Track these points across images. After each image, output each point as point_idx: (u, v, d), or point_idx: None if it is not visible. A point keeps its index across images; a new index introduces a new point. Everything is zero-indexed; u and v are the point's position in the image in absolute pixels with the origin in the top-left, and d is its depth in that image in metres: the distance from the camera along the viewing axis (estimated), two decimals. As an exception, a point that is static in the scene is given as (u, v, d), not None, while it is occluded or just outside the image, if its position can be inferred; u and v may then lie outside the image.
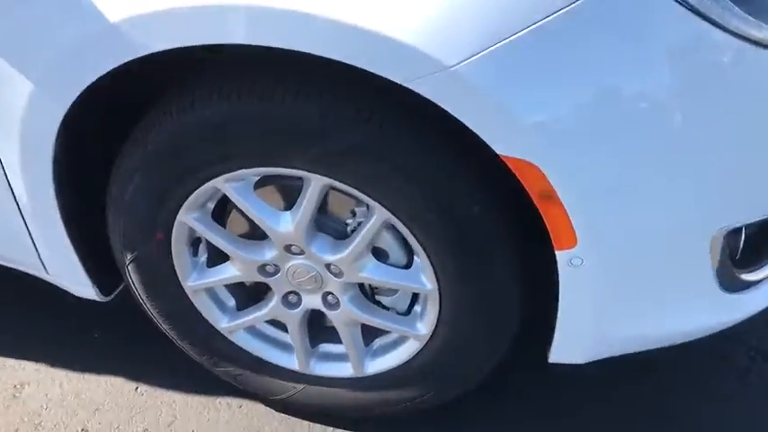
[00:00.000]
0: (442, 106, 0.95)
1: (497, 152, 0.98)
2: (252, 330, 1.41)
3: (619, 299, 1.15)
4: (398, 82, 0.94)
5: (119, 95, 1.15)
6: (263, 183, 1.18)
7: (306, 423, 1.48)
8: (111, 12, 0.98)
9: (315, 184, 1.12)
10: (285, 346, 1.41)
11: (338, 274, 1.24)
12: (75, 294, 1.45)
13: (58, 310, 1.66)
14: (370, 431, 1.46)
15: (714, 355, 1.57)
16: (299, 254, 1.23)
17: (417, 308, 1.28)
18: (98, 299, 1.44)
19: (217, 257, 1.32)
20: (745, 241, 1.22)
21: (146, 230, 1.26)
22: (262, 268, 1.28)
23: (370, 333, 1.35)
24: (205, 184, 1.17)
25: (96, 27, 1.00)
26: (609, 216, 1.04)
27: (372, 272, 1.22)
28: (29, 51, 1.07)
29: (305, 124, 1.05)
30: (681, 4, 0.93)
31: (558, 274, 1.10)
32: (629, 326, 1.20)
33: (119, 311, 1.52)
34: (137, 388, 1.54)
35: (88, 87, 1.06)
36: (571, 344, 1.22)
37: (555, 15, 0.90)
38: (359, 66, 0.94)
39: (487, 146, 0.97)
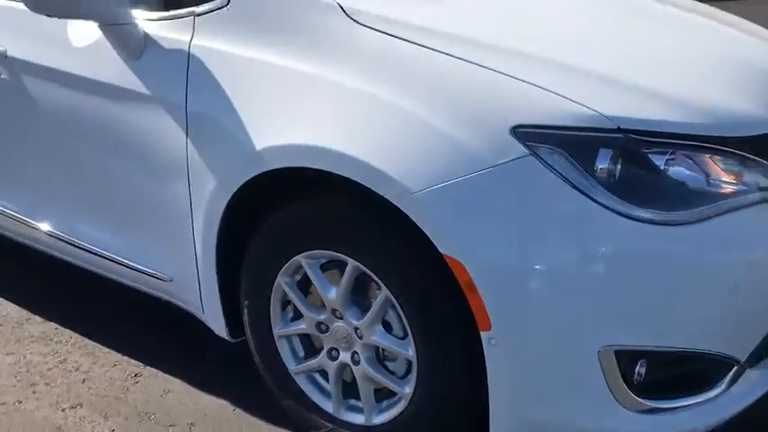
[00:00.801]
0: (407, 213, 1.59)
1: (440, 251, 1.58)
2: (309, 377, 2.02)
3: (527, 385, 1.62)
4: (388, 198, 1.62)
5: (263, 195, 1.93)
6: (328, 265, 1.87)
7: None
8: (253, 142, 1.80)
9: (350, 265, 1.78)
10: (327, 394, 2.00)
11: (361, 337, 1.85)
12: (216, 333, 2.19)
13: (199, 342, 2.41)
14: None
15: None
16: (340, 318, 1.87)
17: (410, 375, 1.82)
18: (229, 339, 2.17)
19: (296, 317, 2.00)
20: (651, 372, 1.62)
21: (258, 287, 1.99)
22: (318, 325, 1.93)
23: (380, 395, 1.90)
24: (292, 259, 1.88)
25: (244, 152, 1.83)
26: (513, 309, 1.57)
27: (380, 337, 1.82)
28: (226, 173, 1.91)
29: (339, 222, 1.75)
30: (573, 187, 1.52)
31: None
32: (538, 412, 1.64)
33: (241, 351, 2.22)
34: (234, 410, 2.20)
35: (239, 187, 1.87)
36: (500, 418, 1.67)
37: (482, 171, 1.54)
38: (367, 185, 1.63)
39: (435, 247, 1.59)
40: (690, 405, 1.68)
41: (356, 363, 1.90)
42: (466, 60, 1.67)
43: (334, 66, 1.76)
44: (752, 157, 1.65)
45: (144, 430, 2.13)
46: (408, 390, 1.81)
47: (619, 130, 1.55)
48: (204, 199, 1.96)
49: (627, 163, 1.56)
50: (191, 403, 2.24)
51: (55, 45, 2.22)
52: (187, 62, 1.96)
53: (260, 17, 1.90)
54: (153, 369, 2.39)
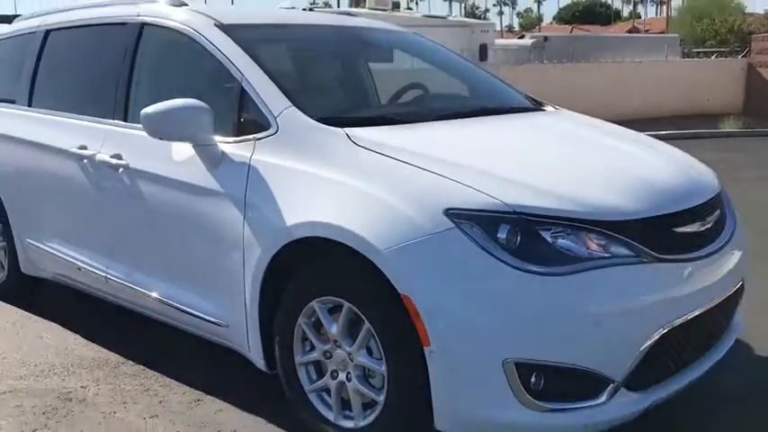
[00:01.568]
0: (378, 265, 2.41)
1: (399, 291, 2.38)
2: (318, 394, 2.79)
3: (455, 386, 2.35)
4: (366, 254, 2.44)
5: (292, 260, 2.79)
6: (333, 309, 2.68)
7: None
8: (285, 221, 2.68)
9: (345, 307, 2.59)
10: (329, 407, 2.75)
11: (352, 360, 2.62)
12: (257, 366, 2.99)
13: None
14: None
15: None
16: (339, 347, 2.66)
17: (384, 386, 2.56)
18: (266, 370, 2.96)
19: (311, 349, 2.79)
20: (547, 380, 2.33)
21: (286, 327, 2.81)
22: (324, 353, 2.72)
23: (366, 406, 2.64)
24: (308, 304, 2.71)
25: (280, 228, 2.71)
26: (444, 331, 2.33)
27: (364, 359, 2.59)
28: (268, 244, 2.78)
29: (338, 276, 2.58)
30: (482, 248, 2.32)
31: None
32: (465, 407, 2.35)
33: (273, 379, 3.00)
34: (266, 423, 2.96)
35: (275, 253, 2.73)
36: (440, 411, 2.39)
37: (425, 237, 2.37)
38: (353, 246, 2.47)
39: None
40: (578, 408, 2.38)
41: (349, 380, 2.67)
42: (421, 168, 2.54)
43: (338, 171, 2.66)
44: (615, 234, 2.41)
45: (203, 419, 2.92)
46: (383, 397, 2.56)
47: (514, 212, 2.36)
48: (252, 264, 2.84)
49: (522, 235, 2.35)
50: (235, 417, 3.02)
51: (162, 159, 3.22)
52: (248, 170, 2.90)
53: (296, 142, 2.84)
54: (210, 396, 3.20)
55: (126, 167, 3.40)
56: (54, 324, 4.12)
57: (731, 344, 2.99)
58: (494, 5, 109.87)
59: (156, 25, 3.54)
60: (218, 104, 3.08)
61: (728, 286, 2.79)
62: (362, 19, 4.33)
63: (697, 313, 2.58)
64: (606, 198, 2.51)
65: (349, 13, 4.50)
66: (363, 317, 2.56)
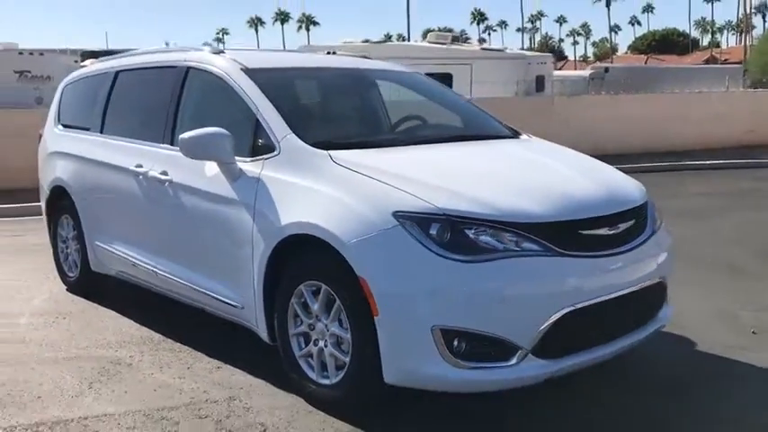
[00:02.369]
0: (343, 254, 3.16)
1: (357, 274, 3.12)
2: (305, 359, 3.53)
3: (398, 348, 3.06)
4: (336, 247, 3.20)
5: (288, 252, 3.56)
6: (315, 291, 3.44)
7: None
8: (281, 221, 3.47)
9: (323, 288, 3.35)
10: (312, 368, 3.49)
11: (328, 330, 3.36)
12: (263, 339, 3.76)
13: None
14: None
15: None
16: (319, 320, 3.41)
17: (349, 350, 3.28)
18: (268, 342, 3.73)
19: (300, 323, 3.54)
20: (469, 344, 3.01)
21: (283, 306, 3.57)
22: (310, 326, 3.47)
23: (339, 367, 3.37)
24: (298, 287, 3.47)
25: (277, 227, 3.50)
26: (388, 304, 3.06)
27: (337, 329, 3.34)
28: (269, 240, 3.57)
29: (318, 264, 3.35)
30: (418, 241, 3.05)
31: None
32: (405, 364, 3.06)
33: (273, 349, 3.76)
34: (266, 383, 3.72)
35: (274, 248, 3.52)
36: (387, 368, 3.10)
37: (377, 232, 3.12)
38: (327, 240, 3.23)
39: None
40: (493, 367, 3.05)
41: (326, 346, 3.41)
42: (380, 181, 3.29)
43: (320, 183, 3.44)
44: (524, 233, 3.10)
45: (218, 388, 3.70)
46: (348, 358, 3.28)
47: (443, 214, 3.08)
48: (258, 257, 3.63)
49: (450, 231, 3.06)
50: (243, 379, 3.80)
51: (196, 174, 4.06)
52: (257, 183, 3.70)
53: (292, 161, 3.63)
54: (227, 364, 4.00)
55: (170, 182, 4.26)
56: (113, 312, 5.03)
57: (648, 333, 3.62)
58: (567, 35, 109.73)
59: (198, 69, 4.42)
60: (240, 132, 3.92)
61: (634, 282, 3.41)
62: (373, 61, 5.12)
63: (598, 301, 3.22)
64: (519, 205, 3.19)
65: (365, 56, 5.29)
66: (336, 296, 3.31)
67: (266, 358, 3.90)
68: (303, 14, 79.24)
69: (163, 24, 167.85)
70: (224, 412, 3.45)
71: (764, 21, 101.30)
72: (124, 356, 4.19)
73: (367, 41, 23.18)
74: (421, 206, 3.13)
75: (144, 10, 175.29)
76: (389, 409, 3.40)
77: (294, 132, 3.71)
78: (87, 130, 5.42)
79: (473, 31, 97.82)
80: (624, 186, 3.76)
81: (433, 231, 3.07)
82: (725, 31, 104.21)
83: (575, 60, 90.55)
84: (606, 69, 26.32)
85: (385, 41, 23.09)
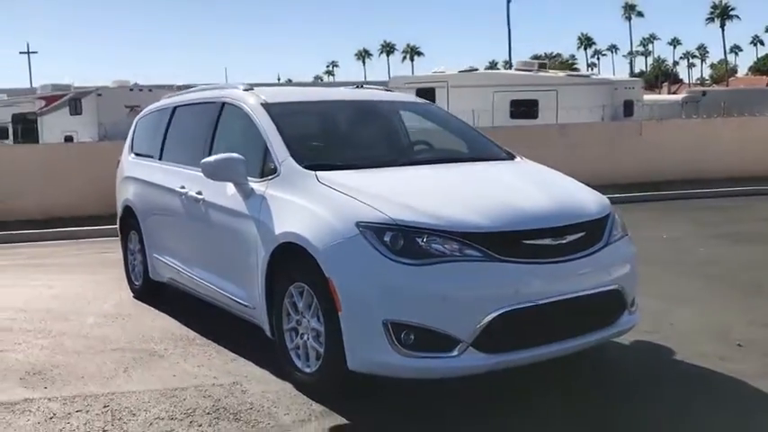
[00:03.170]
0: (317, 259, 3.73)
1: (326, 275, 3.68)
2: (294, 351, 4.10)
3: (356, 339, 3.58)
4: (311, 252, 3.78)
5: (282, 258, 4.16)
6: (302, 291, 4.01)
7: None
8: (276, 232, 4.09)
9: (306, 289, 3.92)
10: (299, 357, 4.05)
11: (310, 324, 3.93)
12: (266, 333, 4.36)
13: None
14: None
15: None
16: (304, 317, 3.98)
17: (323, 341, 3.83)
18: (270, 336, 4.33)
19: (291, 320, 4.12)
20: (416, 336, 3.50)
21: (278, 305, 4.17)
22: (297, 322, 4.05)
23: (318, 357, 3.92)
24: (288, 289, 4.06)
25: (273, 236, 4.12)
26: (349, 301, 3.59)
27: (314, 323, 3.90)
28: (267, 247, 4.18)
29: (299, 272, 3.93)
30: (374, 248, 3.58)
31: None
32: (363, 353, 3.57)
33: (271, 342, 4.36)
34: (268, 372, 4.31)
35: (270, 254, 4.13)
36: (350, 357, 3.62)
37: (341, 240, 3.68)
38: (304, 247, 3.82)
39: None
40: (437, 357, 3.51)
41: (308, 339, 3.96)
42: (350, 197, 3.85)
43: (305, 199, 4.03)
44: (466, 241, 3.56)
45: (227, 375, 4.33)
46: (323, 349, 3.82)
47: (396, 224, 3.59)
48: (260, 262, 4.25)
49: (402, 239, 3.57)
50: (250, 368, 4.41)
51: (220, 193, 4.75)
52: (262, 200, 4.34)
53: (288, 181, 4.25)
54: (243, 358, 4.63)
55: (203, 200, 4.98)
56: (164, 314, 5.80)
57: (602, 338, 3.97)
58: (681, 57, 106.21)
59: (230, 104, 5.14)
60: (255, 156, 4.58)
61: (581, 289, 3.78)
62: (391, 93, 5.71)
63: (538, 304, 3.61)
64: (464, 217, 3.66)
65: (387, 89, 5.88)
66: (314, 295, 3.87)
67: (273, 353, 4.50)
68: (408, 45, 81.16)
69: (277, 59, 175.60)
70: (224, 393, 4.07)
71: None
72: (160, 349, 4.91)
73: (469, 70, 23.80)
74: (378, 217, 3.66)
75: (259, 46, 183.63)
76: (365, 395, 3.92)
77: (292, 156, 4.34)
78: (151, 157, 6.27)
79: (581, 56, 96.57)
80: (580, 202, 4.13)
81: (386, 239, 3.59)
82: None
83: (689, 83, 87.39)
84: (704, 93, 25.62)
85: (471, 70, 23.50)
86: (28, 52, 48.55)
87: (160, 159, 6.08)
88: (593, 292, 3.86)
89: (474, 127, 5.63)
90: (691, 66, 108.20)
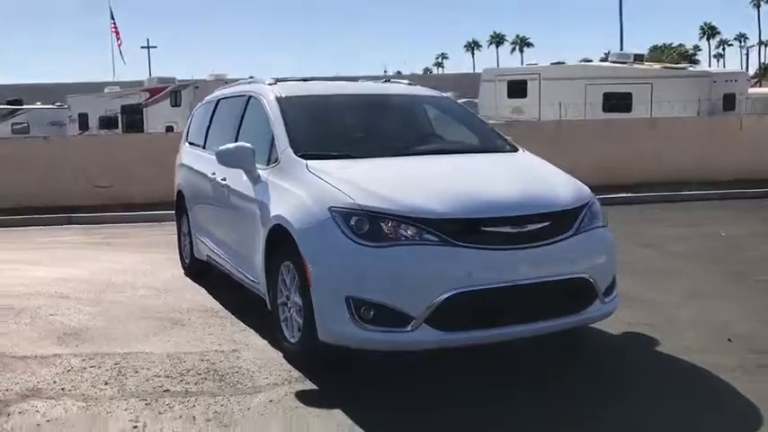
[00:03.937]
0: (296, 240, 4.12)
1: (301, 254, 4.06)
2: (285, 322, 4.50)
3: (325, 312, 3.95)
4: (292, 233, 4.17)
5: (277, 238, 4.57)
6: (289, 269, 4.41)
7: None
8: (271, 214, 4.51)
9: (292, 266, 4.31)
10: (288, 328, 4.45)
11: (294, 299, 4.32)
12: (268, 306, 4.79)
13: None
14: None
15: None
16: (291, 292, 4.38)
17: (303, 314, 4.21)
18: (269, 308, 4.75)
19: (282, 294, 4.52)
20: (375, 312, 3.82)
21: (274, 281, 4.58)
22: (286, 297, 4.45)
23: (299, 330, 4.31)
24: (280, 267, 4.46)
25: (269, 218, 4.54)
26: (318, 277, 3.96)
27: (297, 298, 4.28)
28: (265, 228, 4.60)
29: (287, 251, 4.33)
30: (341, 231, 3.93)
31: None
32: (330, 326, 3.93)
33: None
34: (268, 343, 4.74)
35: (269, 229, 4.54)
36: (320, 328, 3.98)
37: (316, 222, 4.04)
38: (286, 228, 4.21)
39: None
40: (393, 332, 3.82)
41: (293, 312, 4.35)
42: (329, 183, 4.20)
43: (294, 185, 4.42)
44: (424, 226, 3.83)
45: (231, 344, 4.79)
46: (302, 320, 4.20)
47: (361, 209, 3.91)
48: (260, 242, 4.68)
49: (368, 223, 3.89)
50: (254, 337, 4.86)
51: (237, 179, 5.21)
52: (266, 185, 4.76)
53: (284, 168, 4.65)
54: (251, 329, 5.09)
55: (226, 186, 5.47)
56: (202, 289, 6.37)
57: (567, 324, 4.15)
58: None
59: (254, 97, 5.60)
60: (266, 146, 5.01)
61: (541, 276, 3.97)
62: (410, 87, 6.01)
63: (493, 287, 3.84)
64: (425, 204, 3.94)
65: (410, 83, 6.19)
66: (295, 272, 4.25)
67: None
68: (517, 36, 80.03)
69: (387, 51, 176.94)
70: (221, 358, 4.53)
71: None
72: (184, 319, 5.45)
73: (558, 63, 23.58)
74: (347, 203, 4.00)
75: (369, 38, 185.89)
76: (337, 365, 4.29)
77: (291, 146, 4.74)
78: (198, 146, 6.84)
79: (705, 46, 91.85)
80: (551, 193, 4.28)
81: (352, 222, 3.92)
82: None
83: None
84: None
85: (561, 63, 23.21)
86: (148, 47, 51.40)
87: (203, 148, 6.63)
88: (555, 279, 4.04)
89: (485, 121, 5.81)
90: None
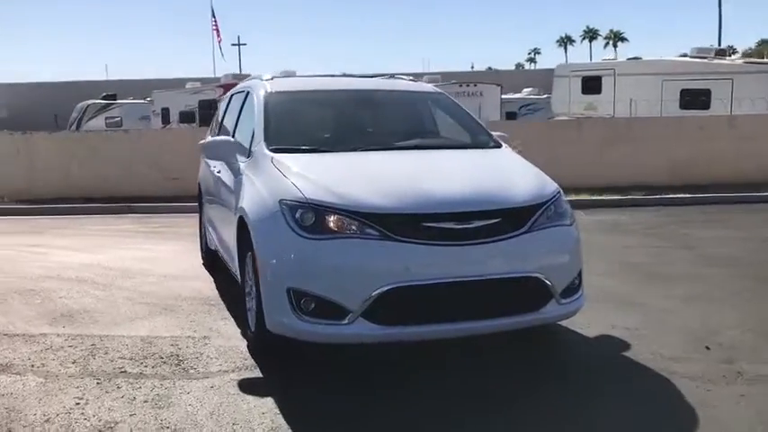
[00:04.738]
0: (251, 231, 4.22)
1: (254, 247, 4.15)
2: (249, 312, 4.60)
3: (270, 303, 4.02)
4: (247, 223, 4.26)
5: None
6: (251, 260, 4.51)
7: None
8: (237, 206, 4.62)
9: (250, 256, 4.40)
10: (251, 315, 4.54)
11: (253, 288, 4.41)
12: (240, 283, 4.91)
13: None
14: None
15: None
16: (251, 281, 4.47)
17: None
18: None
19: (246, 284, 4.63)
20: (315, 304, 3.88)
21: (243, 264, 4.68)
22: (250, 287, 4.54)
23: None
24: (246, 256, 4.57)
25: (237, 207, 4.65)
26: (267, 271, 4.03)
27: (254, 289, 4.36)
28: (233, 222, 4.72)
29: (249, 241, 4.42)
30: (287, 224, 4.00)
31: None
32: (274, 316, 4.01)
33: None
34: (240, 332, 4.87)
35: (237, 221, 4.66)
36: (267, 318, 4.06)
37: (268, 214, 4.13)
38: (246, 220, 4.30)
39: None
40: (331, 324, 3.86)
41: (253, 299, 4.44)
42: (285, 176, 4.26)
43: (257, 178, 4.51)
44: (365, 220, 3.84)
45: (206, 330, 4.94)
46: (255, 308, 4.29)
47: (307, 203, 3.96)
48: (233, 233, 4.80)
49: (314, 216, 3.93)
50: (229, 327, 5.00)
51: (224, 171, 5.37)
52: (242, 177, 4.87)
53: (256, 161, 4.74)
54: (231, 316, 5.24)
55: (219, 178, 5.64)
56: (210, 278, 6.56)
57: (519, 323, 4.07)
58: None
59: (250, 92, 5.74)
60: (249, 139, 5.13)
61: (484, 273, 3.90)
62: (401, 83, 5.99)
63: (432, 283, 3.81)
64: (368, 199, 3.94)
65: (412, 80, 6.17)
66: (252, 263, 4.34)
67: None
68: (611, 31, 77.52)
69: (479, 47, 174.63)
70: (188, 344, 4.69)
71: None
72: (176, 305, 5.66)
73: (634, 58, 22.80)
74: (295, 196, 4.05)
75: (461, 36, 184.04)
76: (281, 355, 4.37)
77: (265, 140, 4.83)
78: (215, 139, 7.07)
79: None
80: (506, 190, 4.19)
81: (297, 215, 3.97)
82: None
83: None
84: None
85: (638, 58, 22.35)
86: (238, 44, 52.75)
87: (218, 140, 6.84)
88: (502, 277, 3.96)
89: (476, 117, 5.71)
90: None
